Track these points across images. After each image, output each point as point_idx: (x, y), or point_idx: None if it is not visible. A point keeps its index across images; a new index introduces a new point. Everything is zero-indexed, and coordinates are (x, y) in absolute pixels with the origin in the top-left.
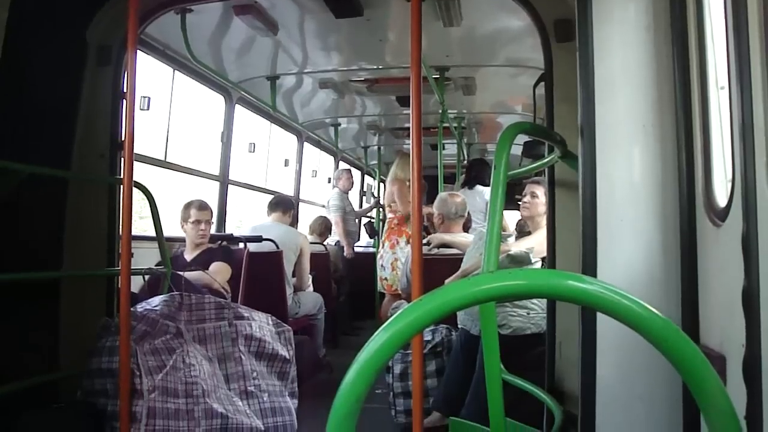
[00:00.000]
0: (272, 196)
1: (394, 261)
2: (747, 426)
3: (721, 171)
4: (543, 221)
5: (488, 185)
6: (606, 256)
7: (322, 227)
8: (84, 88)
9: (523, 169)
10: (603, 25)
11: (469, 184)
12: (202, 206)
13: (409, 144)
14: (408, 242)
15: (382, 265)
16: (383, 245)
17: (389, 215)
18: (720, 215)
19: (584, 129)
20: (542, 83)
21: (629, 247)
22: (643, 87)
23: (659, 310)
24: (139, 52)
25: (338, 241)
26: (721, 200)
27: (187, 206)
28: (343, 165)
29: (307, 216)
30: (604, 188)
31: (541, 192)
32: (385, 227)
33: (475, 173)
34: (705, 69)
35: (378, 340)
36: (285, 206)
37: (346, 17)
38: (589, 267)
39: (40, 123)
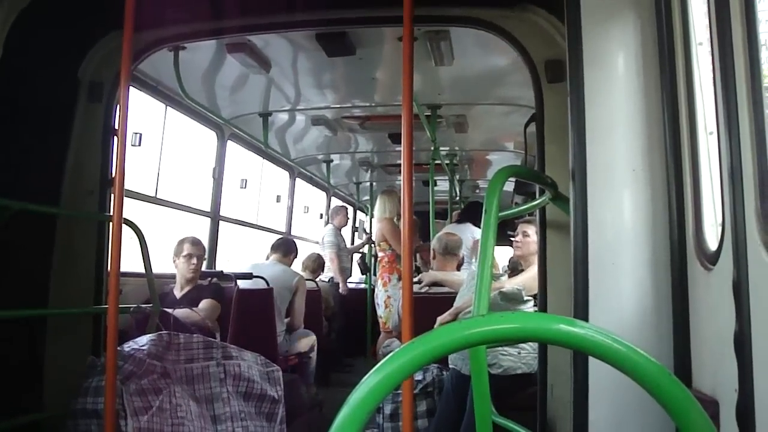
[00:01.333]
0: (263, 235)
1: (387, 299)
2: None
3: (711, 215)
4: (534, 259)
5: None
6: (597, 299)
7: (316, 264)
8: (75, 124)
9: (515, 210)
10: (593, 68)
11: (460, 220)
12: (195, 242)
13: (400, 180)
14: (400, 279)
15: (378, 304)
16: (377, 283)
17: (379, 254)
18: (710, 259)
19: (575, 172)
20: (533, 122)
21: (620, 290)
22: (634, 131)
23: (651, 355)
24: (131, 88)
25: (331, 278)
26: (712, 244)
27: (181, 242)
28: (335, 201)
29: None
30: (595, 231)
31: (532, 231)
32: (378, 265)
33: (471, 214)
34: (694, 114)
35: (369, 383)
36: (286, 249)
37: (339, 56)
38: (581, 310)
39: (30, 158)
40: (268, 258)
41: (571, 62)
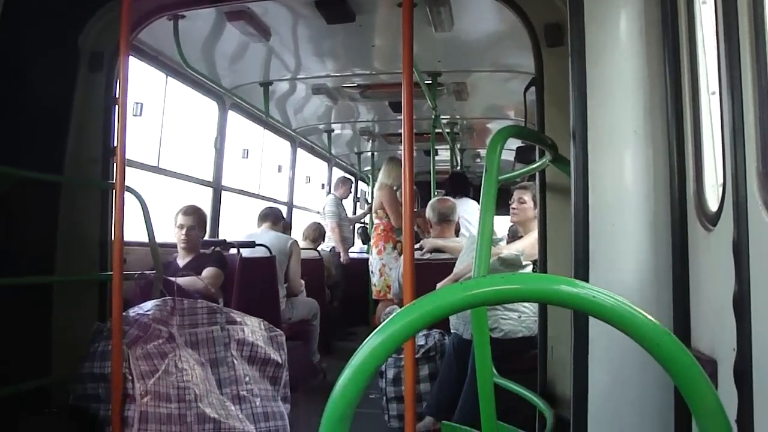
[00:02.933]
0: (264, 205)
1: (381, 267)
2: (738, 429)
3: (712, 176)
4: (532, 225)
5: (471, 197)
6: (598, 260)
7: (316, 233)
8: (76, 94)
9: (515, 173)
10: (594, 30)
11: (455, 195)
12: (188, 211)
13: (401, 150)
14: (395, 248)
15: (371, 272)
16: (371, 251)
17: (375, 221)
18: (711, 220)
19: (576, 133)
20: (533, 88)
21: (621, 252)
22: (635, 92)
23: (651, 315)
24: (131, 58)
25: (332, 247)
26: (712, 205)
27: (177, 212)
28: (336, 171)
29: (301, 222)
30: (595, 193)
31: (528, 197)
32: (372, 233)
33: (459, 187)
34: (696, 74)
35: (371, 344)
36: (274, 218)
37: (338, 23)
38: (581, 271)
39: (32, 128)
40: (259, 227)
41: (572, 22)
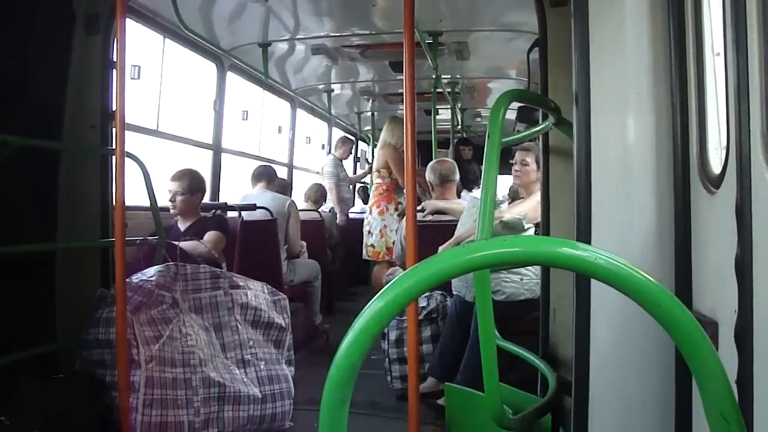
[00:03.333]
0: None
1: (383, 228)
2: (738, 390)
3: (715, 138)
4: (535, 188)
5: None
6: (600, 222)
7: (318, 194)
8: (73, 58)
9: (517, 136)
10: None
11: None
12: (176, 176)
13: (402, 109)
14: (396, 209)
15: (369, 231)
16: (370, 211)
17: (377, 180)
18: (714, 182)
19: (579, 96)
20: (536, 48)
21: (623, 214)
22: (638, 53)
23: (653, 277)
24: (128, 20)
25: (332, 208)
26: (716, 167)
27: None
28: (336, 132)
29: (302, 183)
30: (598, 155)
31: (531, 159)
32: (372, 192)
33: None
34: (701, 35)
35: (374, 307)
36: (268, 176)
37: None
38: (584, 234)
39: (29, 94)
40: (253, 187)
41: None
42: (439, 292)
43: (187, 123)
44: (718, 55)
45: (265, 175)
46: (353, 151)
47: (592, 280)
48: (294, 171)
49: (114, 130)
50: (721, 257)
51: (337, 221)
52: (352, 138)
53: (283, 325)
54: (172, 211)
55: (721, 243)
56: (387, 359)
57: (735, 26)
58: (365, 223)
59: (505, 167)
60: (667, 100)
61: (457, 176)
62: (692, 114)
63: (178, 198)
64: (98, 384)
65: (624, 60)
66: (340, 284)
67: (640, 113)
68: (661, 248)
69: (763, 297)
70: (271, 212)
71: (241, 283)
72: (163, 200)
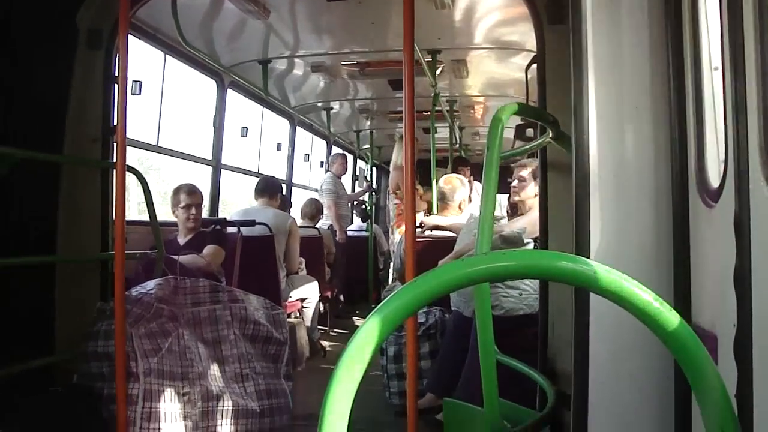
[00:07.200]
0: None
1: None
2: (737, 404)
3: (713, 152)
4: (533, 203)
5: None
6: (599, 236)
7: (313, 209)
8: (75, 72)
9: (516, 150)
10: (596, 6)
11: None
12: (191, 191)
13: (401, 127)
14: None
15: (393, 251)
16: (392, 231)
17: (395, 201)
18: (712, 196)
19: (577, 110)
20: (534, 66)
21: (622, 228)
22: (637, 67)
23: (651, 290)
24: (130, 36)
25: (330, 225)
26: (714, 181)
27: (177, 191)
28: (335, 149)
29: (301, 200)
30: (596, 169)
31: (528, 175)
32: (392, 214)
33: None
34: (699, 49)
35: (373, 321)
36: (272, 190)
37: (338, 0)
38: (582, 248)
39: (31, 108)
40: (256, 200)
41: (574, 1)
42: (438, 308)
43: (187, 139)
44: (716, 70)
45: (268, 189)
46: (352, 167)
47: (591, 294)
48: (293, 188)
49: (115, 144)
50: (720, 271)
51: (337, 238)
52: (344, 153)
53: (282, 339)
54: (190, 225)
55: (720, 256)
56: (385, 375)
57: (732, 41)
58: (390, 242)
59: (503, 186)
60: (666, 115)
61: (459, 196)
62: (690, 128)
63: (196, 211)
64: (96, 397)
65: (622, 75)
66: (338, 302)
67: (638, 127)
68: (659, 262)
69: (762, 310)
70: (270, 228)
71: (240, 297)
72: (162, 214)
